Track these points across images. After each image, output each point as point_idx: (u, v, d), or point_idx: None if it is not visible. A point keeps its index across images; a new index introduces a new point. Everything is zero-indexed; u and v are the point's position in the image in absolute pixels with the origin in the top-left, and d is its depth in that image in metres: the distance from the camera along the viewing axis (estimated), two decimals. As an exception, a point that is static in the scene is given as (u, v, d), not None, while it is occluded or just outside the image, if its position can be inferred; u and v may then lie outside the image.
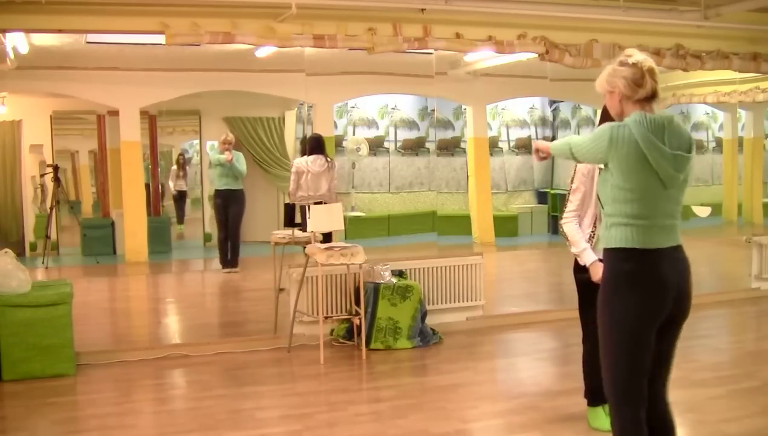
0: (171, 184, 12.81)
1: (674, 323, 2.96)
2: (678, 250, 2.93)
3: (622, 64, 2.90)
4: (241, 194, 9.84)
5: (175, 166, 12.86)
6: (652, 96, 2.88)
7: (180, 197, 12.93)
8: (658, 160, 2.80)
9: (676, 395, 4.93)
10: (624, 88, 2.88)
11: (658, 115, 2.87)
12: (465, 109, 13.00)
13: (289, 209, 6.59)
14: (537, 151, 3.29)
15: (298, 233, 6.33)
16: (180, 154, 13.02)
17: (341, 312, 6.32)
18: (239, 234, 9.98)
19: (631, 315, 2.86)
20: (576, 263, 4.02)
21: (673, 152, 2.83)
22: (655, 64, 2.91)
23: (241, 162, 9.73)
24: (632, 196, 2.86)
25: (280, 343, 6.20)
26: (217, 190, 9.87)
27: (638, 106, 2.87)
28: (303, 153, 8.14)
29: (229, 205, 9.76)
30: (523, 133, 14.88)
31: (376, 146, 13.21)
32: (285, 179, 10.26)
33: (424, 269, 6.68)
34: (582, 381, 4.33)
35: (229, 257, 9.85)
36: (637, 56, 2.89)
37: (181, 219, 13.04)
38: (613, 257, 2.92)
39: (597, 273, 3.62)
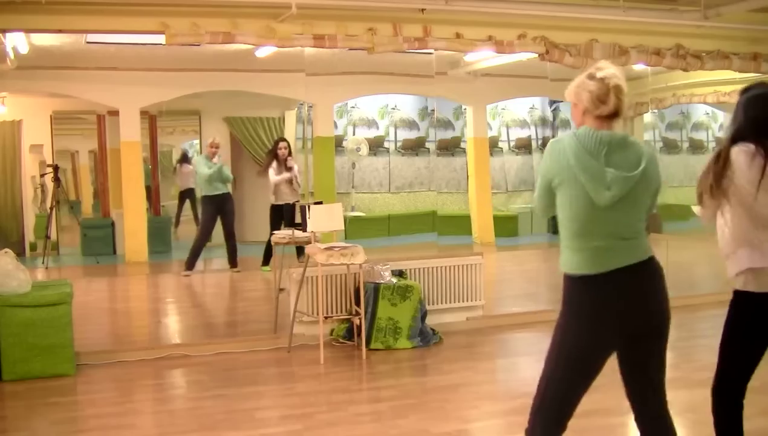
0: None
1: (648, 341, 2.92)
2: (637, 267, 2.80)
3: (590, 77, 2.78)
4: (231, 197, 9.81)
5: (177, 164, 12.86)
6: (615, 114, 2.76)
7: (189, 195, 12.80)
8: (584, 176, 2.70)
9: (676, 395, 4.93)
10: (587, 102, 2.76)
11: (608, 133, 2.75)
12: (465, 109, 13.00)
13: (289, 209, 6.59)
14: None
15: (298, 232, 6.33)
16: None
17: (341, 312, 6.32)
18: (235, 235, 9.89)
19: (573, 342, 2.82)
20: None
21: (607, 169, 2.69)
22: (623, 82, 2.78)
23: (224, 170, 9.68)
24: (570, 216, 2.80)
25: (280, 343, 6.20)
26: (208, 197, 9.65)
27: (598, 122, 2.76)
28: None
29: (223, 210, 9.63)
30: (524, 134, 14.88)
31: (376, 146, 13.21)
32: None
33: (424, 269, 6.68)
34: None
35: (229, 258, 9.81)
36: (606, 71, 2.77)
37: (196, 219, 12.60)
38: (565, 281, 2.91)
39: None
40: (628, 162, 2.73)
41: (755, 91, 3.18)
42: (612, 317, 2.78)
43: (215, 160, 9.50)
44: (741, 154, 3.05)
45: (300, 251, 7.69)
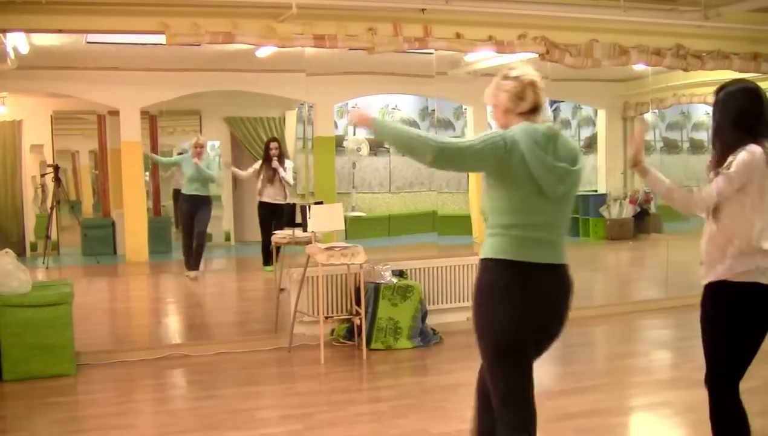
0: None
1: (540, 343, 2.94)
2: (560, 268, 2.87)
3: (506, 77, 2.90)
4: (207, 200, 9.46)
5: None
6: (535, 108, 2.87)
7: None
8: (540, 170, 2.76)
9: (676, 395, 4.94)
10: (506, 101, 2.89)
11: (546, 126, 2.85)
12: (465, 109, 13.00)
13: (289, 209, 6.59)
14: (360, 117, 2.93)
15: (298, 232, 6.33)
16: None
17: (341, 312, 6.32)
18: (205, 239, 9.63)
19: (510, 325, 2.79)
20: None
21: (557, 164, 2.79)
22: (539, 77, 2.88)
23: (212, 167, 9.36)
24: (512, 207, 2.82)
25: (281, 343, 6.20)
26: (183, 195, 9.47)
27: (522, 119, 2.86)
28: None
29: (196, 211, 9.35)
30: (524, 133, 14.88)
31: (376, 146, 13.20)
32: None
33: (424, 269, 6.68)
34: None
35: (192, 260, 9.51)
36: (520, 70, 2.89)
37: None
38: (485, 267, 2.86)
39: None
40: (570, 155, 2.86)
41: (730, 88, 3.20)
42: (537, 303, 2.80)
43: (198, 160, 9.18)
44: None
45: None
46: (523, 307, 2.77)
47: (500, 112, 2.93)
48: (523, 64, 2.95)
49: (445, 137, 2.81)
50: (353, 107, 3.00)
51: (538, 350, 2.95)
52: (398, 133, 2.82)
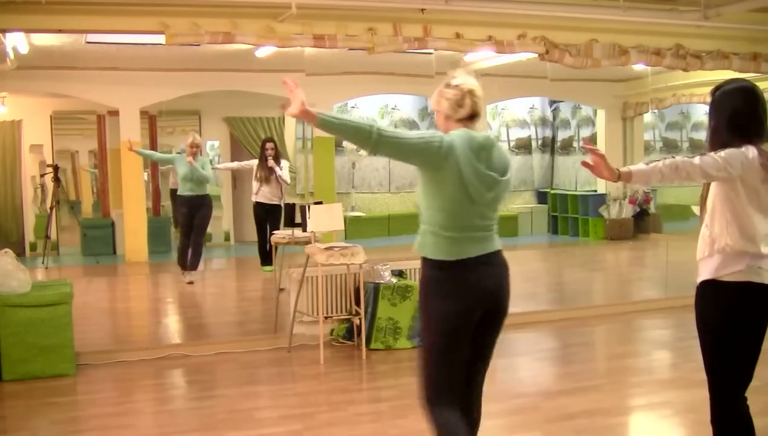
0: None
1: (492, 324, 3.12)
2: (492, 256, 3.08)
3: (447, 86, 3.09)
4: (206, 200, 9.08)
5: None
6: (473, 116, 3.08)
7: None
8: (471, 177, 2.95)
9: (676, 395, 4.94)
10: (447, 108, 3.07)
11: (483, 135, 3.05)
12: (465, 109, 12.99)
13: (289, 209, 6.59)
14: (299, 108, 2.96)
15: (297, 232, 6.33)
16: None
17: (341, 312, 6.32)
18: (203, 240, 9.34)
19: (443, 319, 3.01)
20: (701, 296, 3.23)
21: (488, 172, 2.99)
22: (478, 86, 3.07)
23: (206, 168, 8.96)
24: (443, 206, 3.00)
25: (280, 343, 6.20)
26: (180, 196, 9.05)
27: (461, 125, 3.05)
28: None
29: (195, 212, 8.96)
30: (524, 134, 14.89)
31: (376, 146, 13.20)
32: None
33: (424, 269, 6.67)
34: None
35: (189, 262, 9.15)
36: (460, 79, 3.09)
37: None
38: (426, 264, 3.09)
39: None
40: (502, 165, 3.07)
41: (726, 88, 3.12)
42: (471, 295, 3.02)
43: (193, 160, 8.78)
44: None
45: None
46: (461, 298, 3.00)
47: (441, 117, 3.12)
48: (464, 73, 3.15)
49: (389, 128, 2.95)
50: (286, 99, 2.96)
51: (490, 332, 3.14)
52: (343, 124, 2.91)
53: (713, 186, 3.12)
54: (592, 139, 13.83)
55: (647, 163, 3.08)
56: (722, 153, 2.98)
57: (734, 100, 3.09)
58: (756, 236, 3.02)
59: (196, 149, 8.95)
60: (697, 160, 2.99)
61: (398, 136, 2.93)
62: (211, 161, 9.72)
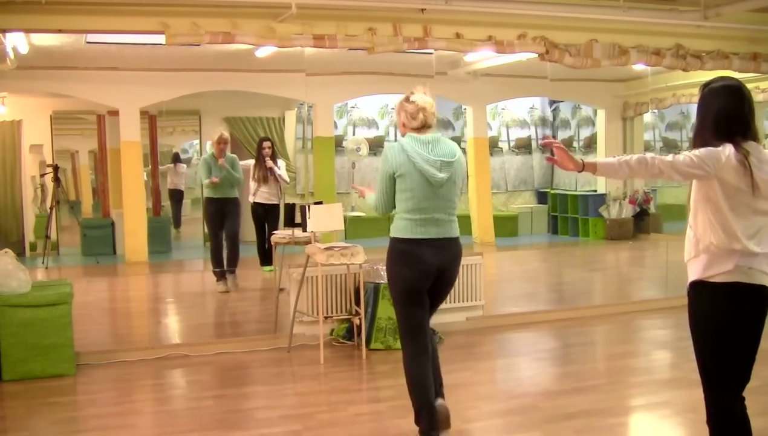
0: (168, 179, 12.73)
1: (439, 291, 4.06)
2: (446, 241, 3.93)
3: (407, 100, 3.97)
4: (236, 203, 8.60)
5: (171, 164, 12.83)
6: (424, 126, 3.93)
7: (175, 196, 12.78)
8: (422, 164, 3.82)
9: (676, 395, 4.94)
10: (405, 119, 3.97)
11: (429, 135, 3.92)
12: (465, 109, 13.00)
13: (289, 209, 6.58)
14: None
15: (297, 232, 6.33)
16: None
17: (341, 312, 6.32)
18: (239, 240, 8.85)
19: (401, 281, 3.93)
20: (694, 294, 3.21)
21: (435, 157, 3.84)
22: (431, 102, 3.94)
23: (236, 168, 8.44)
24: (407, 196, 3.87)
25: (280, 343, 6.20)
26: (210, 199, 8.47)
27: (415, 132, 3.93)
28: None
29: (225, 215, 8.48)
30: (523, 134, 14.88)
31: (376, 146, 13.21)
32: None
33: (424, 268, 6.66)
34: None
35: (228, 260, 8.72)
36: (416, 96, 3.95)
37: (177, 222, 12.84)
38: (392, 240, 3.97)
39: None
40: (449, 152, 3.92)
41: (713, 86, 3.10)
42: (422, 266, 3.89)
43: (223, 160, 8.25)
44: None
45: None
46: (413, 268, 3.88)
47: (401, 125, 4.02)
48: (421, 90, 4.00)
49: (373, 199, 4.15)
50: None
51: (439, 295, 4.11)
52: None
53: (693, 186, 3.10)
54: (592, 139, 13.84)
55: (614, 157, 3.10)
56: (697, 151, 2.97)
57: (719, 98, 3.06)
58: (738, 233, 2.99)
59: (224, 146, 8.36)
60: (670, 157, 2.98)
61: (375, 200, 4.11)
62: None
